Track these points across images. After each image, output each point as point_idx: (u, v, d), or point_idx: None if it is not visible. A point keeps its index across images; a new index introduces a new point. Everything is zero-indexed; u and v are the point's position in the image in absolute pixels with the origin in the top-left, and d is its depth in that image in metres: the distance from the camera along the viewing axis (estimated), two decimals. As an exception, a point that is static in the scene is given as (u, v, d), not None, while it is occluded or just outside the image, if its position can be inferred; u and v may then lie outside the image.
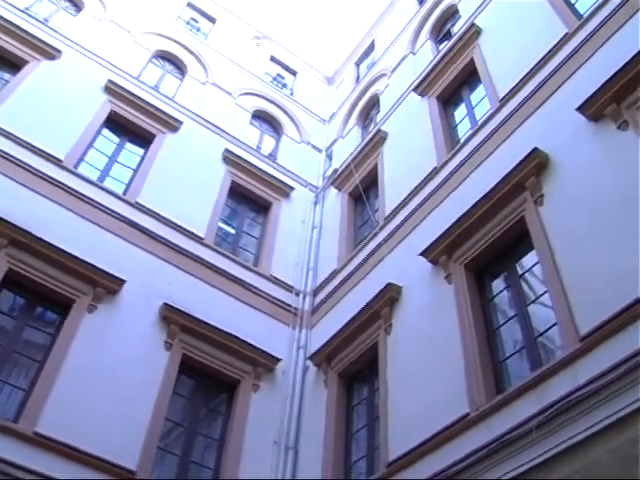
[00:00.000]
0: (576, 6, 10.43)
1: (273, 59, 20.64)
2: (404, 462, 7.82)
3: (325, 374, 10.66)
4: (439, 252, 9.41)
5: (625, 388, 5.62)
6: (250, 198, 14.59)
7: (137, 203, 11.96)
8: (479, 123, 11.00)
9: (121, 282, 10.29)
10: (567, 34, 9.80)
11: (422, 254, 9.65)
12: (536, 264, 8.00)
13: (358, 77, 19.86)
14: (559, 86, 9.26)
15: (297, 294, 12.85)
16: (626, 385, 5.62)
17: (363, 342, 10.16)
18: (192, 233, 12.29)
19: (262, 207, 14.64)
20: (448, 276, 9.11)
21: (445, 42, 14.98)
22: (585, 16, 9.75)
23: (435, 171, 11.20)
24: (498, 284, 8.76)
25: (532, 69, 10.07)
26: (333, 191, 15.06)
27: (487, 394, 7.36)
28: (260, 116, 17.62)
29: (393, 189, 12.47)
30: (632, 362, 5.67)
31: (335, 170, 15.59)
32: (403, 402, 8.52)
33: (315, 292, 12.85)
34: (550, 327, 7.35)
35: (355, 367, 10.34)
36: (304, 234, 14.39)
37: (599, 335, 6.26)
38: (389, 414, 8.64)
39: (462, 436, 7.21)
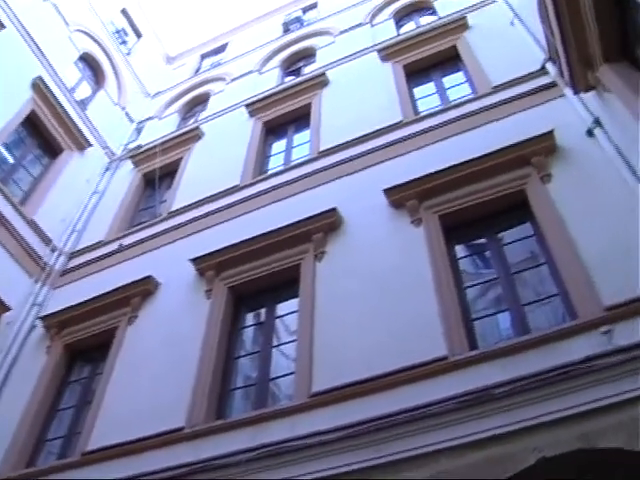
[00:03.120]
0: (417, 102, 11.32)
1: (124, 12, 19.71)
2: (101, 456, 7.59)
3: (51, 340, 10.07)
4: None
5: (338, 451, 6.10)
6: (43, 135, 13.59)
7: None
8: (292, 164, 11.42)
9: None
10: (400, 121, 10.62)
11: (192, 260, 9.59)
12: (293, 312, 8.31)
13: (198, 69, 19.66)
14: (376, 163, 9.92)
15: (53, 250, 12.15)
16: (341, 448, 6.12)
17: (103, 322, 9.76)
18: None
19: (52, 149, 13.70)
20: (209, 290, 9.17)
21: (292, 77, 15.41)
22: (422, 114, 10.64)
23: (235, 188, 11.30)
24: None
25: (359, 137, 10.70)
26: (129, 165, 14.57)
27: (207, 415, 7.42)
28: (87, 60, 16.69)
29: (187, 188, 12.36)
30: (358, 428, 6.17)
31: (140, 146, 15.16)
32: (121, 396, 8.28)
33: (72, 255, 12.21)
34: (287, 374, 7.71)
35: (85, 344, 9.87)
36: (83, 194, 13.73)
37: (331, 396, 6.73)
38: (103, 404, 8.35)
39: (169, 448, 7.15)
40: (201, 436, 7.14)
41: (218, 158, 12.74)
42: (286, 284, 8.79)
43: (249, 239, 9.42)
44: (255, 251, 9.26)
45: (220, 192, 11.39)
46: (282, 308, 8.78)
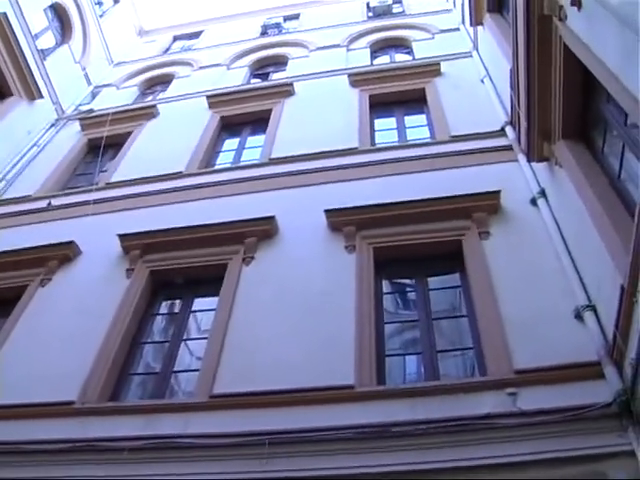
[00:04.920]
0: (376, 134, 11.45)
1: (107, -28, 19.34)
2: None
3: None
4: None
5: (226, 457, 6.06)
6: (-8, 75, 13.15)
7: None
8: (240, 164, 11.49)
9: None
10: (356, 148, 10.76)
11: (120, 236, 9.36)
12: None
13: (168, 49, 19.46)
14: (323, 182, 10.00)
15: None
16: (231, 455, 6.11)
17: (14, 278, 9.29)
18: None
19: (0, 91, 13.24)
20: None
21: (259, 80, 15.41)
22: (378, 146, 10.87)
23: (179, 175, 11.16)
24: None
25: (312, 154, 10.76)
26: (76, 127, 14.18)
27: (101, 394, 7.22)
28: (58, 11, 16.33)
29: (130, 163, 12.11)
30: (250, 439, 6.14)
31: (91, 110, 14.82)
32: (16, 357, 7.87)
33: (-4, 200, 11.80)
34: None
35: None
36: (22, 145, 13.33)
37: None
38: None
39: (55, 420, 6.89)
40: (90, 414, 6.91)
41: (168, 141, 12.53)
42: (209, 281, 8.67)
43: (181, 228, 9.29)
44: (185, 241, 9.12)
45: (163, 175, 11.21)
46: (200, 303, 8.66)
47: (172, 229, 9.30)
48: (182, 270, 8.91)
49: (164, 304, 8.86)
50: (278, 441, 6.07)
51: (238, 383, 6.87)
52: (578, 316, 6.61)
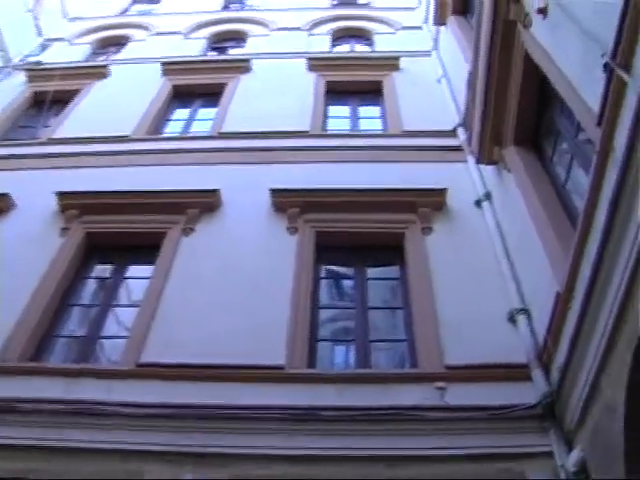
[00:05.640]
0: (328, 120, 11.49)
1: None
2: None
3: None
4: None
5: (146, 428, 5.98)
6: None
7: None
8: (189, 134, 11.34)
9: None
10: (307, 131, 10.78)
11: (58, 194, 9.05)
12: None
13: (126, 10, 18.87)
14: (271, 162, 9.92)
15: None
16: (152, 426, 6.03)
17: None
18: None
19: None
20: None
21: (215, 53, 15.18)
22: (329, 132, 10.96)
23: (125, 139, 10.91)
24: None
25: (263, 132, 10.63)
26: (22, 78, 13.60)
27: (22, 353, 7.00)
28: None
29: (76, 121, 11.74)
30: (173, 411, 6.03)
31: (39, 62, 14.30)
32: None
33: None
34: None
35: None
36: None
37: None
38: None
39: None
40: (10, 373, 6.67)
41: (117, 104, 12.17)
42: (146, 249, 8.46)
43: (122, 192, 9.05)
44: (125, 205, 8.88)
45: (109, 137, 10.90)
46: (134, 271, 8.48)
47: (113, 192, 9.06)
48: (119, 235, 8.67)
49: (97, 268, 8.62)
50: (203, 415, 6.00)
51: (166, 354, 6.73)
52: (511, 319, 6.75)
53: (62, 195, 9.08)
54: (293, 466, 5.58)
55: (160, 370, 6.56)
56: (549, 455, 5.39)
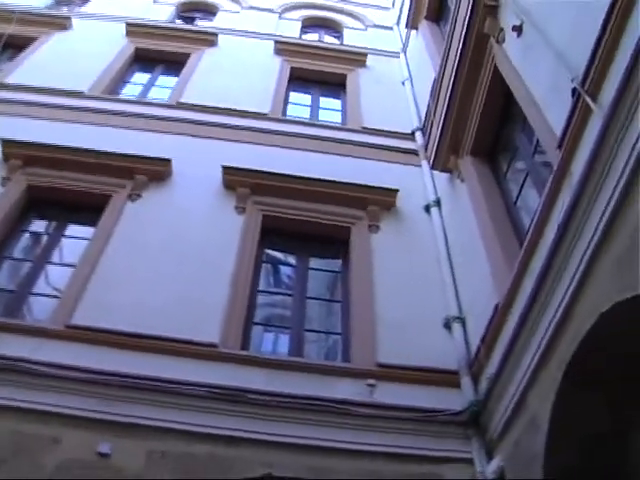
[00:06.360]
0: (288, 106, 11.42)
1: None
2: None
3: None
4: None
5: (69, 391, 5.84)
6: None
7: None
8: (146, 100, 11.11)
9: None
10: (266, 114, 10.68)
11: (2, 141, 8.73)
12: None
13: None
14: (226, 139, 9.85)
15: None
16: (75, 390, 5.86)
17: None
18: None
19: None
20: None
21: (182, 22, 14.91)
22: (288, 117, 10.90)
23: (79, 95, 10.57)
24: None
25: (221, 108, 10.52)
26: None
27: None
28: None
29: (30, 70, 11.22)
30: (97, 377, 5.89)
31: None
32: None
33: None
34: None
35: None
36: None
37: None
38: None
39: None
40: None
41: (75, 58, 11.78)
42: (88, 209, 8.24)
43: (70, 147, 8.71)
44: (71, 162, 8.58)
45: (63, 90, 10.52)
46: (74, 230, 8.25)
47: (60, 147, 8.74)
48: (62, 191, 8.39)
49: (35, 222, 8.36)
50: (129, 385, 5.90)
51: (98, 318, 6.57)
52: (447, 325, 6.86)
53: (6, 143, 8.74)
54: (215, 446, 5.54)
55: (89, 334, 6.39)
56: (469, 462, 5.51)
